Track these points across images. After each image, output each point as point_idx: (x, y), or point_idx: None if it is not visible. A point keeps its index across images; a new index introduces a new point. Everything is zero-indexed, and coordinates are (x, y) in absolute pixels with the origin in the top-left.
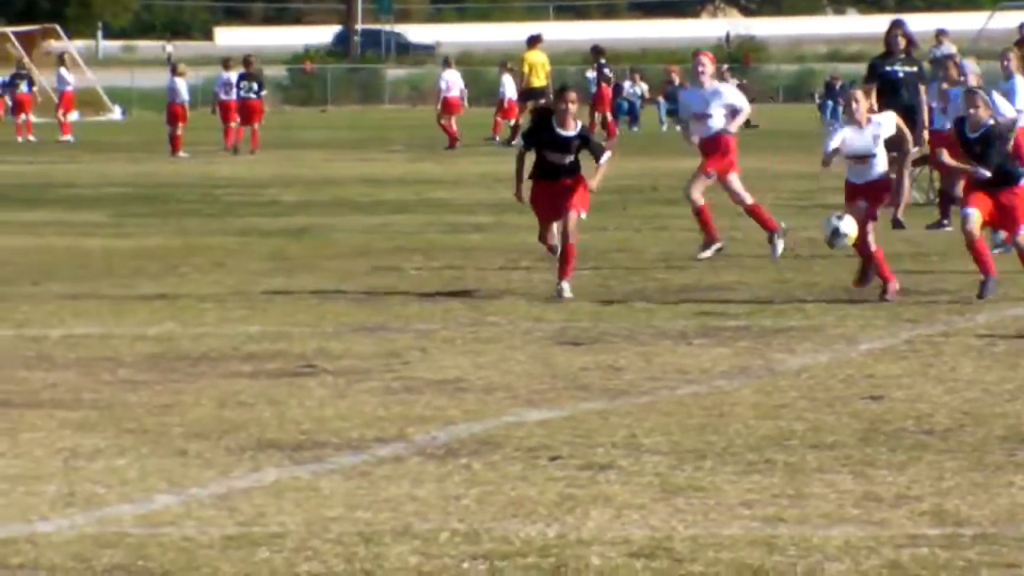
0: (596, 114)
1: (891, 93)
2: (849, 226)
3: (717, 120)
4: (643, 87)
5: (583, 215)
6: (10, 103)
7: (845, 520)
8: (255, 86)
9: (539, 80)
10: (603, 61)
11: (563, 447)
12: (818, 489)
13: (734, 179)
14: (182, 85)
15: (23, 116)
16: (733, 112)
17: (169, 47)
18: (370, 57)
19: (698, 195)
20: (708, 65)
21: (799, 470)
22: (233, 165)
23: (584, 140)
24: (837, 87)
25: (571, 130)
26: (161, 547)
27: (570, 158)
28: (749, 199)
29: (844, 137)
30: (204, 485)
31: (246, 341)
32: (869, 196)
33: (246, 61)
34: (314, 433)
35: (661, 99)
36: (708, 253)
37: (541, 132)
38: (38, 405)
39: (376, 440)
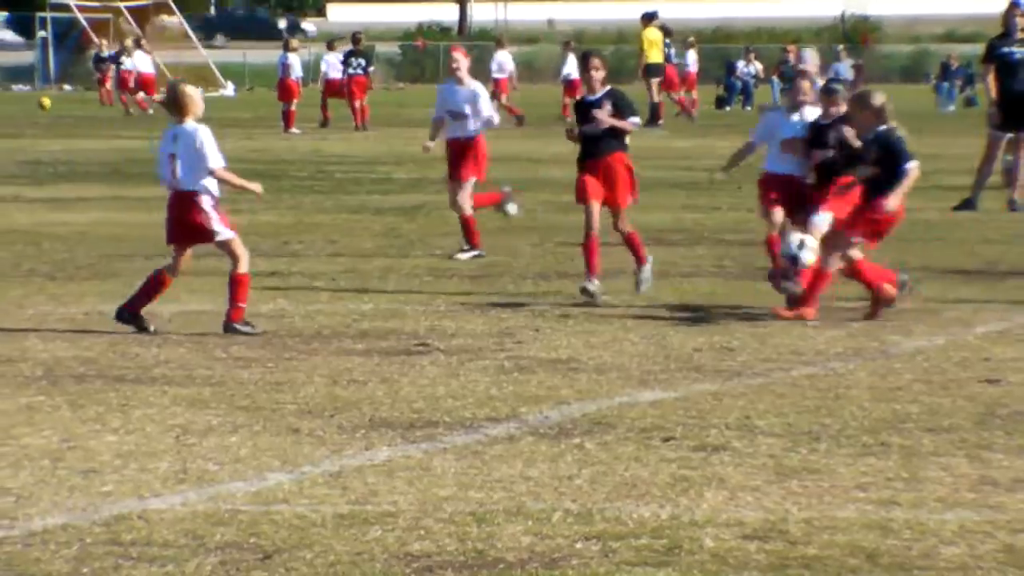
0: (672, 94)
1: (1008, 75)
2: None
3: (473, 122)
4: (757, 66)
5: (631, 202)
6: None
7: (960, 504)
8: (363, 63)
9: (656, 56)
10: (667, 41)
11: (676, 428)
12: (933, 473)
13: (470, 186)
14: (295, 61)
15: (140, 93)
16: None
17: (282, 23)
18: (483, 34)
19: (467, 204)
20: (462, 61)
21: (914, 453)
22: (347, 142)
23: (614, 98)
24: (953, 68)
25: (598, 94)
26: (273, 525)
27: (602, 126)
28: (468, 211)
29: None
30: (316, 463)
31: (359, 319)
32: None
33: (354, 39)
34: (426, 412)
35: (775, 78)
36: (466, 256)
37: (579, 111)
38: (151, 381)
39: (488, 419)
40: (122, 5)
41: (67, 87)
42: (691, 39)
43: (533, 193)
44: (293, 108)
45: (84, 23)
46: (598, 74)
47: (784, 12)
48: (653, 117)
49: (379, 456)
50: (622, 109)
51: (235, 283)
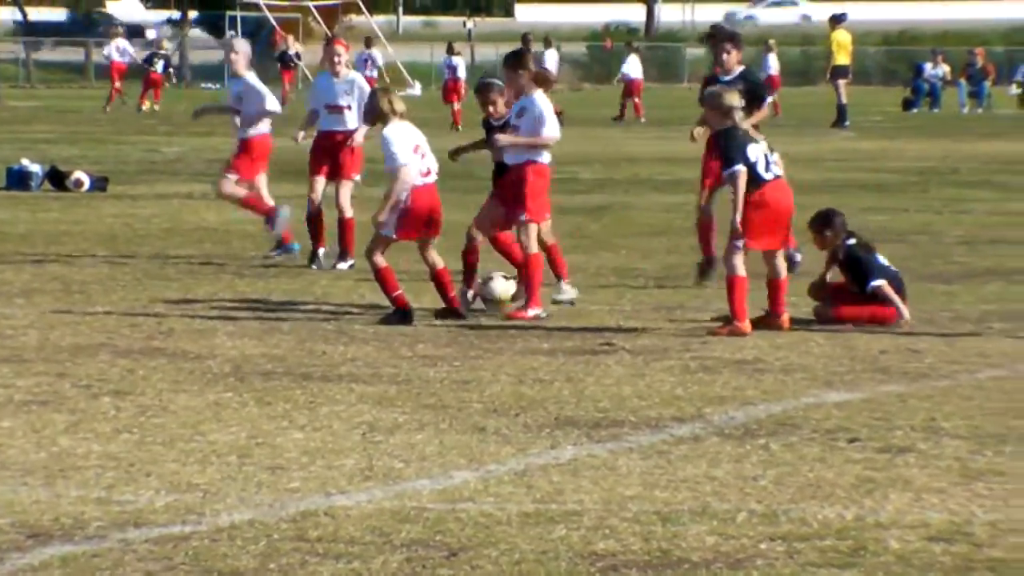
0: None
1: None
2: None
3: (353, 115)
4: (944, 68)
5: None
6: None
7: None
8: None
9: (844, 58)
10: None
11: (862, 429)
12: None
13: (352, 185)
14: (459, 63)
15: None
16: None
17: (470, 23)
18: (669, 35)
19: (349, 205)
20: (343, 54)
21: None
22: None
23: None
24: None
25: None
26: (459, 522)
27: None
28: (350, 212)
29: None
30: (502, 461)
31: (544, 318)
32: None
33: (524, 39)
34: (612, 411)
35: (962, 81)
36: (345, 266)
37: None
38: (337, 379)
39: (674, 419)
40: (311, 4)
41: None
42: (771, 41)
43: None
44: (457, 107)
45: (273, 22)
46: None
47: (971, 14)
48: (840, 118)
49: (564, 455)
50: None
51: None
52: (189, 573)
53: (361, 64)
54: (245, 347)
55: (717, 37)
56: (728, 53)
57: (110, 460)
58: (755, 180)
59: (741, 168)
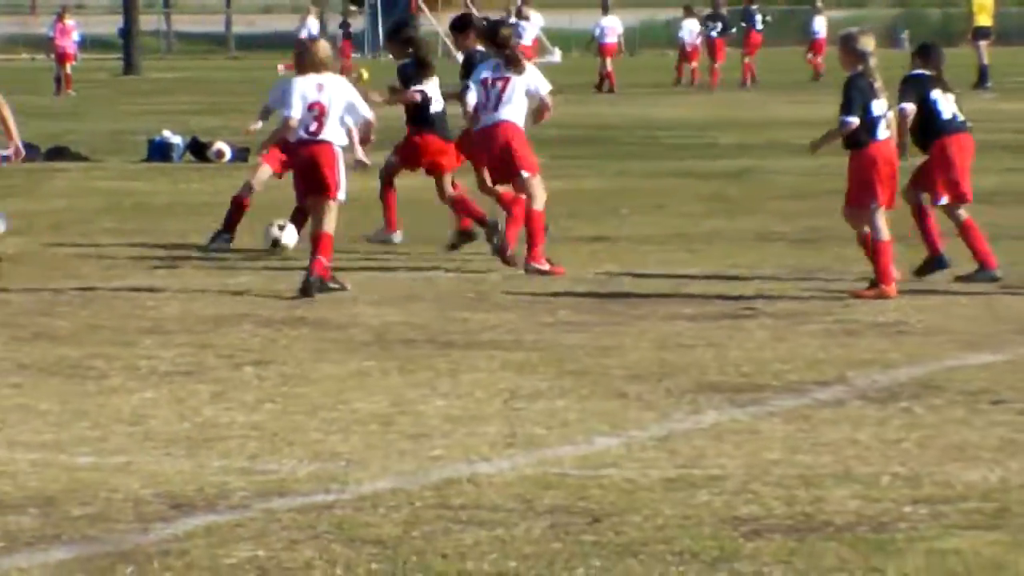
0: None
1: None
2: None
3: None
4: None
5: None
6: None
7: None
8: (719, 26)
9: (985, 20)
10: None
11: (1006, 391)
12: None
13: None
14: (527, 27)
15: None
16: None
17: None
18: None
19: None
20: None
21: None
22: (674, 108)
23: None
24: None
25: None
26: (602, 489)
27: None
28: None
29: None
30: (644, 427)
31: (686, 283)
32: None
33: (715, 2)
34: (754, 375)
35: None
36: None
37: None
38: (479, 346)
39: (816, 383)
40: None
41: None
42: (819, 3)
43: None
44: (609, 69)
45: None
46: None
47: None
48: (982, 79)
49: (706, 420)
50: None
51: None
52: (332, 541)
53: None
54: (387, 315)
55: None
56: None
57: (253, 430)
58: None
59: (854, 120)
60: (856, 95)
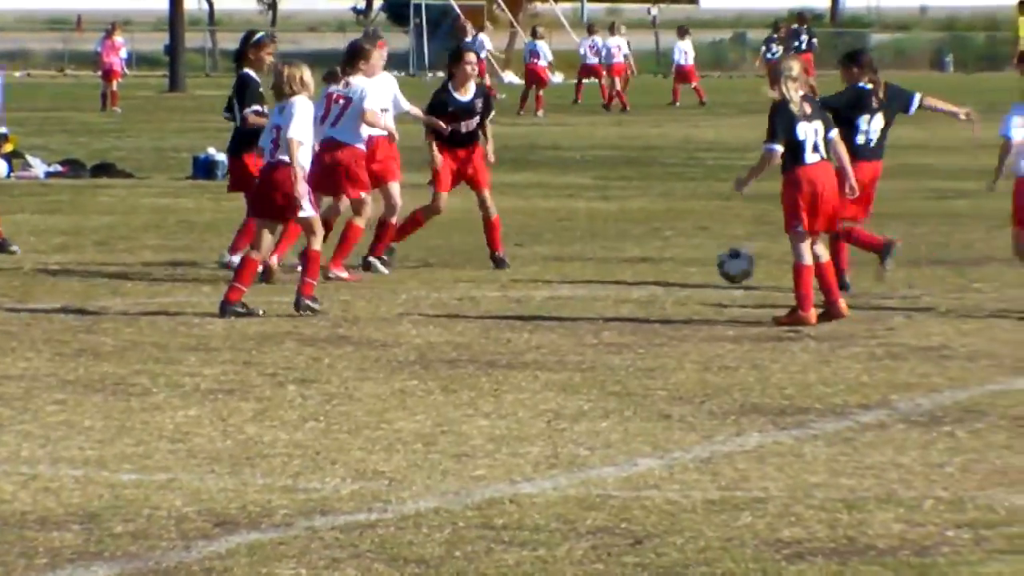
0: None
1: None
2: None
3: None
4: None
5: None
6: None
7: None
8: (778, 49)
9: None
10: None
11: None
12: None
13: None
14: (542, 46)
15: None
16: None
17: (654, 10)
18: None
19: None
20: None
21: None
22: (717, 129)
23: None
24: None
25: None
26: (644, 510)
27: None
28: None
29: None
30: (687, 449)
31: (729, 305)
32: None
33: (775, 26)
34: (797, 398)
35: None
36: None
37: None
38: (522, 366)
39: (859, 406)
40: None
41: (440, 73)
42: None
43: (897, 181)
44: (617, 88)
45: (457, 10)
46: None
47: None
48: None
49: (750, 442)
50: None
51: (310, 259)
52: (374, 561)
53: (527, 54)
54: (430, 335)
55: None
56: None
57: (296, 448)
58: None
59: (777, 148)
60: (778, 121)
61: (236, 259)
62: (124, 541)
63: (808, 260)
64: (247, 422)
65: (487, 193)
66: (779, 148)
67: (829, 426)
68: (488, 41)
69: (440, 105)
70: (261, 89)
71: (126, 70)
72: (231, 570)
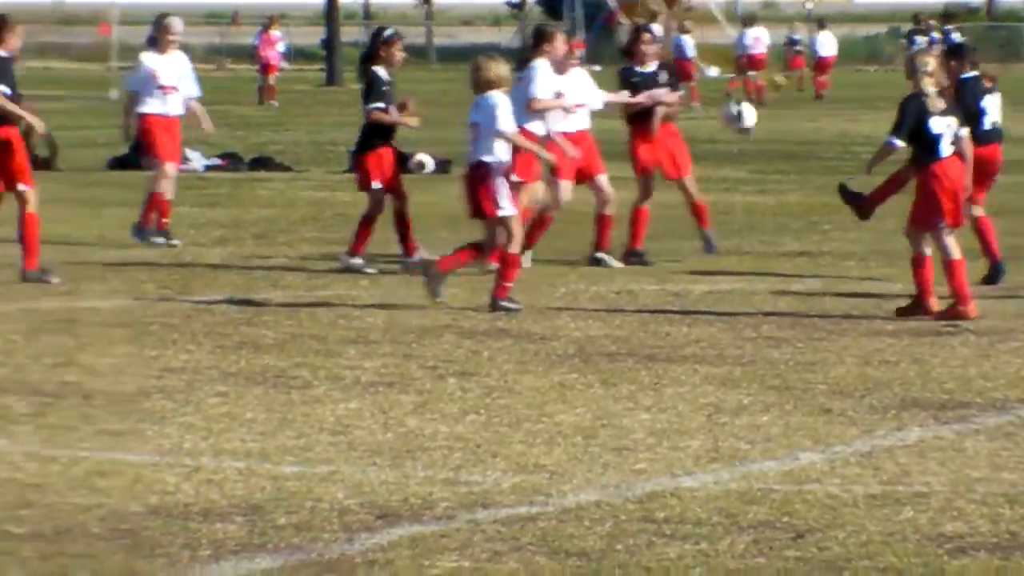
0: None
1: None
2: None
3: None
4: None
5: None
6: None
7: None
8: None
9: None
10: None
11: None
12: None
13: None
14: (687, 41)
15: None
16: None
17: (810, 4)
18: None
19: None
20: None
21: None
22: (874, 123)
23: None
24: None
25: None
26: (806, 504)
27: None
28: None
29: None
30: (848, 443)
31: (889, 299)
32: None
33: (916, 18)
34: (958, 392)
35: None
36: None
37: None
38: (682, 360)
39: (1020, 400)
40: None
41: (596, 67)
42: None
43: None
44: (751, 79)
45: (612, 3)
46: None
47: None
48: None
49: (910, 436)
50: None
51: (505, 263)
52: (536, 553)
53: (673, 49)
54: (589, 328)
55: None
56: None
57: (457, 441)
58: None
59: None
60: (907, 115)
61: (355, 261)
62: (287, 533)
63: (957, 255)
64: (408, 415)
65: (688, 180)
66: (899, 143)
67: (990, 420)
68: (690, 42)
69: (624, 80)
70: (386, 88)
71: (283, 64)
72: (393, 562)
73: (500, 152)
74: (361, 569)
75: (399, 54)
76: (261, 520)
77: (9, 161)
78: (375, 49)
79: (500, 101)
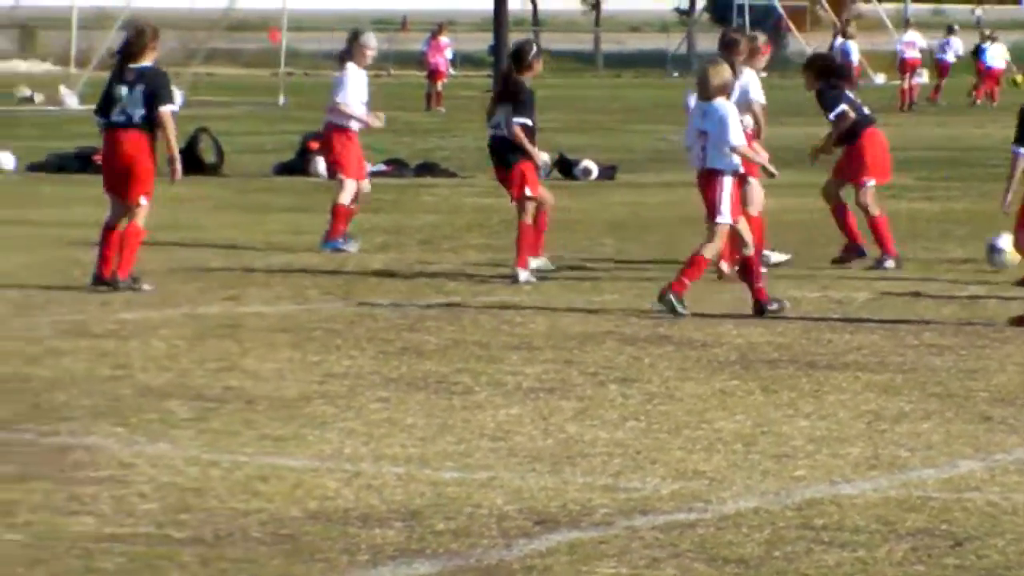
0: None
1: None
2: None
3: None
4: None
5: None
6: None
7: None
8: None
9: None
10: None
11: None
12: None
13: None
14: (853, 47)
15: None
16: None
17: (979, 10)
18: None
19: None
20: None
21: None
22: None
23: None
24: None
25: None
26: (965, 512)
27: None
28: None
29: None
30: (1008, 451)
31: None
32: None
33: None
34: None
35: None
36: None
37: None
38: (843, 367)
39: None
40: None
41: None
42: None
43: None
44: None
45: (780, 11)
46: None
47: None
48: None
49: None
50: None
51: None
52: (694, 560)
53: (839, 55)
54: (751, 335)
55: None
56: None
57: (617, 447)
58: None
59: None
60: None
61: (524, 275)
62: (446, 539)
63: None
64: (568, 421)
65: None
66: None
67: None
68: (855, 48)
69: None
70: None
71: (451, 70)
72: (551, 568)
73: (731, 160)
74: (519, 575)
75: (539, 67)
76: (420, 526)
77: (133, 173)
78: (529, 62)
79: (729, 111)
